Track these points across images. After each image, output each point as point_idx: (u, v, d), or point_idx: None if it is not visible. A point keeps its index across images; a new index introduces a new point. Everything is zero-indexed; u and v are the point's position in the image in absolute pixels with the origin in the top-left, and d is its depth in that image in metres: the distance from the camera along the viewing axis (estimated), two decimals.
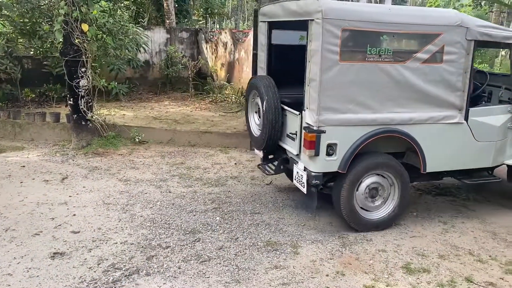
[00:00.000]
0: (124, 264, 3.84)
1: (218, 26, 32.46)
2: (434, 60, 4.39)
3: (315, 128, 4.11)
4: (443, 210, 5.28)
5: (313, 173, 4.25)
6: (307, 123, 4.22)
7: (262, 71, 5.40)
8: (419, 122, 4.46)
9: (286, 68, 5.17)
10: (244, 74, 10.71)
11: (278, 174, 5.30)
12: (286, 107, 4.73)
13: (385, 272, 3.86)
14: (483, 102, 5.36)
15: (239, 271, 3.78)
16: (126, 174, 6.17)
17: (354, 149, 4.25)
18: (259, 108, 4.99)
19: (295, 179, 4.62)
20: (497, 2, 15.67)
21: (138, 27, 10.87)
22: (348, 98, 4.17)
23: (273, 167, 5.15)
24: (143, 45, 10.75)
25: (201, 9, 19.21)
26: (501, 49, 15.15)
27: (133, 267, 3.80)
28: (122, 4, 15.14)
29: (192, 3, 17.69)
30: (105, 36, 8.73)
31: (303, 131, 4.25)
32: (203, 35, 13.03)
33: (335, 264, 3.95)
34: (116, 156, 6.96)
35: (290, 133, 4.67)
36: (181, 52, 12.51)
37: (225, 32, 12.16)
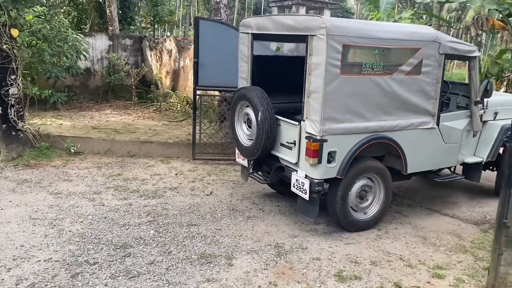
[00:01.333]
0: (45, 283, 3.62)
1: (168, 34, 32.03)
2: (415, 72, 4.76)
3: (318, 137, 4.30)
4: None
5: (315, 180, 4.44)
6: (309, 133, 4.38)
7: (245, 81, 5.41)
8: (402, 128, 4.84)
9: (265, 78, 5.26)
10: (190, 82, 10.56)
11: (273, 182, 5.51)
12: (280, 117, 4.82)
13: (317, 281, 3.87)
14: (444, 109, 5.78)
15: (169, 286, 3.66)
16: (58, 186, 5.87)
17: (351, 156, 4.53)
18: (248, 118, 5.05)
19: (294, 187, 4.71)
20: (436, 17, 16.48)
21: (79, 34, 10.48)
22: (346, 108, 4.42)
23: (266, 175, 5.35)
24: (84, 52, 10.38)
25: (150, 17, 18.85)
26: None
27: (55, 286, 3.58)
28: (62, 10, 14.56)
29: (137, 10, 17.32)
30: (40, 42, 8.34)
31: (306, 140, 4.40)
32: (147, 43, 12.77)
33: (268, 275, 3.92)
34: (49, 168, 6.62)
35: (287, 142, 4.74)
36: (124, 60, 12.18)
37: (170, 40, 11.98)
